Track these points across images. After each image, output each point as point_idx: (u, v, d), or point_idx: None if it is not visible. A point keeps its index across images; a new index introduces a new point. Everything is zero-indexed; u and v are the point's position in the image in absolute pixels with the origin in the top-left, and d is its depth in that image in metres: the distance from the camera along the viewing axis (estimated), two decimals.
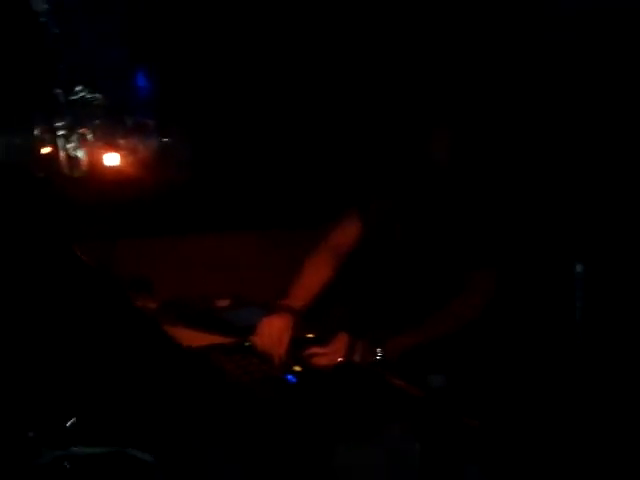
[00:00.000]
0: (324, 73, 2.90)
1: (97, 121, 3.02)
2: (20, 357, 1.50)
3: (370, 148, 2.12)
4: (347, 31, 2.83)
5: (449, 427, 1.53)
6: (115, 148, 2.93)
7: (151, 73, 3.11)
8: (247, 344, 1.81)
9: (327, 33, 2.86)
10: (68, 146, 2.87)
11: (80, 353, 1.50)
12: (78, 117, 2.96)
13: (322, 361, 1.74)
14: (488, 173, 1.85)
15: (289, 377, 1.68)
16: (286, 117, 2.94)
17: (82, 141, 2.92)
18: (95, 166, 2.84)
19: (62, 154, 2.84)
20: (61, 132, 2.87)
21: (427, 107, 1.85)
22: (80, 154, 2.88)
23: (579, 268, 2.12)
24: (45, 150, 2.82)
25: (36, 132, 2.84)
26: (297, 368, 1.72)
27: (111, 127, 2.99)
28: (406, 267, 1.93)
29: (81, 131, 2.93)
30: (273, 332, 1.77)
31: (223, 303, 2.15)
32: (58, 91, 2.90)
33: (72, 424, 1.21)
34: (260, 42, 2.94)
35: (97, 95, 3.03)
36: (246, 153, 2.95)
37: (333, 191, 2.19)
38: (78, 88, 2.99)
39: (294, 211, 2.73)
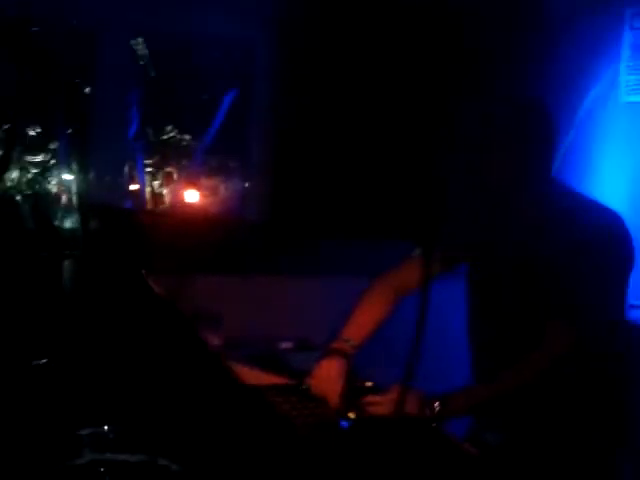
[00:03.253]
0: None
1: (184, 161, 3.15)
2: (79, 362, 1.59)
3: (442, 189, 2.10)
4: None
5: None
6: (198, 187, 3.05)
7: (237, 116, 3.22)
8: (304, 387, 1.81)
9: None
10: (154, 183, 3.00)
11: (136, 366, 1.56)
12: (166, 156, 3.10)
13: (378, 410, 1.72)
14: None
15: (343, 423, 1.66)
16: (359, 156, 2.97)
17: (168, 179, 3.05)
18: (177, 203, 2.96)
19: (148, 190, 2.98)
20: (149, 170, 3.02)
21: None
22: (165, 191, 3.01)
23: None
24: (133, 186, 2.96)
25: (126, 169, 2.99)
26: (352, 415, 1.71)
27: (196, 167, 3.11)
28: (478, 316, 1.89)
29: (168, 170, 3.07)
30: (327, 376, 1.77)
31: (286, 345, 2.17)
32: (149, 130, 3.05)
33: (111, 430, 1.26)
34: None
35: (185, 136, 3.16)
36: (322, 198, 2.99)
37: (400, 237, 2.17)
38: (168, 128, 3.13)
39: (362, 257, 2.73)
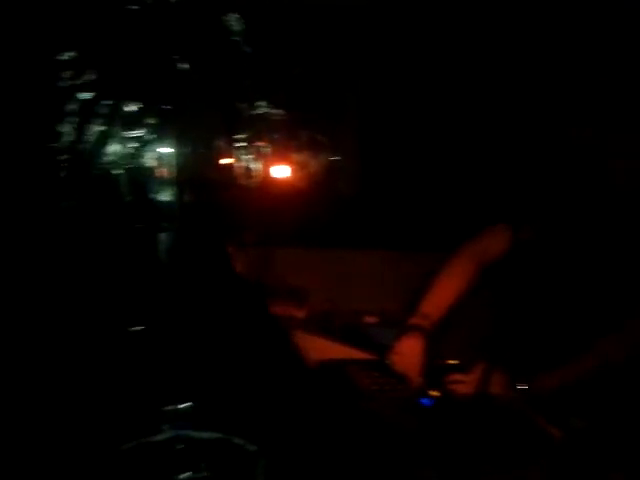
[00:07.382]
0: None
1: (275, 135, 3.18)
2: (157, 342, 1.65)
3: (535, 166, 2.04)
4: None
5: (587, 475, 1.44)
6: (289, 161, 3.07)
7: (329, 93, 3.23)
8: (387, 362, 1.82)
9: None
10: (245, 158, 3.04)
11: (208, 346, 1.60)
12: (258, 131, 3.13)
13: (461, 389, 1.71)
14: None
15: (424, 400, 1.66)
16: (447, 136, 2.94)
17: (259, 153, 3.08)
18: (268, 177, 3.00)
19: (239, 165, 3.02)
20: (241, 144, 3.06)
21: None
22: (255, 166, 3.05)
23: None
24: (224, 160, 3.01)
25: (218, 143, 3.05)
26: (434, 393, 1.70)
27: (287, 141, 3.13)
28: (560, 296, 1.83)
29: (259, 144, 3.10)
30: (407, 353, 1.77)
31: (371, 319, 2.17)
32: (242, 105, 3.09)
33: (189, 408, 1.30)
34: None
35: (277, 111, 3.19)
36: (414, 173, 2.97)
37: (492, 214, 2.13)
38: (260, 103, 3.17)
39: (447, 233, 2.69)
